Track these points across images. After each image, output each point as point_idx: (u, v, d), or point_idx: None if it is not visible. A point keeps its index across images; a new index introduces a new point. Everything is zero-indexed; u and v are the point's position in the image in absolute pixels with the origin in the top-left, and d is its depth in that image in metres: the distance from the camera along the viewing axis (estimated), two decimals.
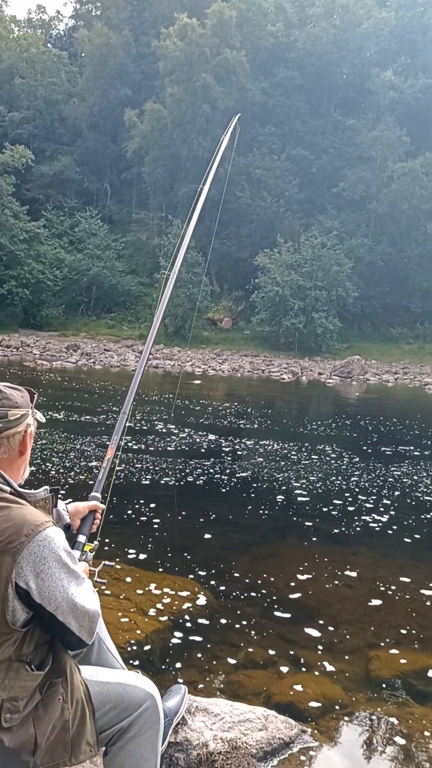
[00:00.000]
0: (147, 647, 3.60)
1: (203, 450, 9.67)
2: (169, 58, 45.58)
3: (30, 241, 42.98)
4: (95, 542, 2.30)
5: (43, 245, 43.94)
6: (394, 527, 6.36)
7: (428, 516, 6.93)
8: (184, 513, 6.47)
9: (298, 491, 7.50)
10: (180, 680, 3.21)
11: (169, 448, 9.56)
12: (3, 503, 1.65)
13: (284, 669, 3.51)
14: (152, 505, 6.49)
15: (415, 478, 8.64)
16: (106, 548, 5.04)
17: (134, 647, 3.55)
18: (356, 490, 7.70)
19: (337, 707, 3.18)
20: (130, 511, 6.20)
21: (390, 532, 6.24)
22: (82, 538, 2.25)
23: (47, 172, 48.74)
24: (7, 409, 1.74)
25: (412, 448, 11.05)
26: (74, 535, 2.24)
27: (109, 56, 52.30)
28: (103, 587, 2.61)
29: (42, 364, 24.67)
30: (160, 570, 4.76)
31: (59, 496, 2.03)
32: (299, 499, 7.17)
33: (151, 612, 4.00)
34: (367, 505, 7.02)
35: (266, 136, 47.10)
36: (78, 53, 57.28)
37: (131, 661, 3.36)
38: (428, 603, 4.56)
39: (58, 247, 45.16)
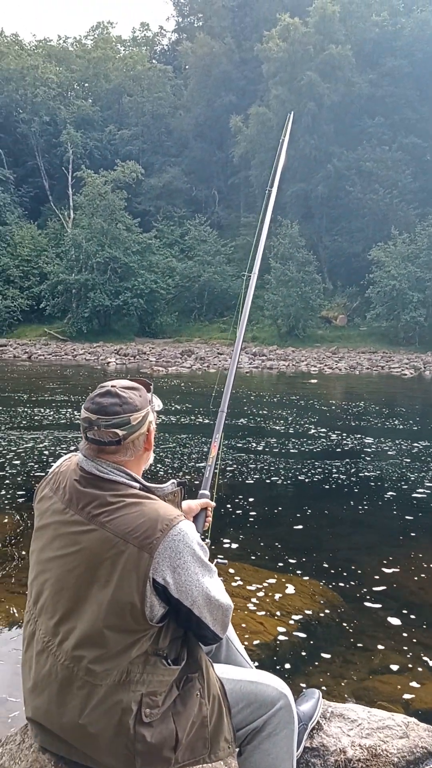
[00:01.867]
0: (276, 649, 3.54)
1: (322, 449, 9.47)
2: (273, 60, 45.58)
3: (142, 252, 44.61)
4: (207, 540, 2.27)
5: (155, 255, 45.42)
6: None
7: None
8: (303, 512, 6.35)
9: (427, 491, 7.13)
10: (312, 685, 3.12)
11: (288, 448, 9.45)
12: (135, 499, 1.65)
13: (421, 675, 3.33)
14: (268, 505, 6.43)
15: None
16: (228, 546, 5.02)
17: (263, 649, 3.49)
18: None
19: None
20: (244, 510, 6.16)
21: None
22: None
23: (156, 184, 50.37)
24: (129, 415, 1.71)
25: None
26: None
27: (213, 65, 53.22)
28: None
29: (158, 370, 25.42)
30: (284, 571, 4.67)
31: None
32: (427, 499, 6.81)
33: (278, 613, 3.93)
34: None
35: (375, 128, 45.82)
36: (182, 66, 58.79)
37: (260, 664, 3.31)
38: None
39: (170, 256, 46.51)
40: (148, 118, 53.68)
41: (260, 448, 9.43)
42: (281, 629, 3.73)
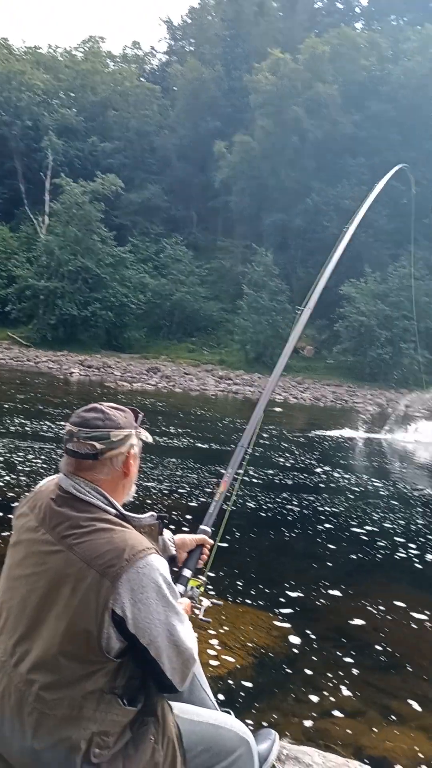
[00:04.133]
0: (232, 685, 3.47)
1: (281, 480, 9.41)
2: (261, 91, 46.46)
3: (116, 266, 44.41)
4: (203, 578, 2.21)
5: (129, 269, 45.28)
6: None
7: None
8: (260, 544, 6.29)
9: (387, 529, 7.17)
10: (264, 723, 3.06)
11: (249, 477, 9.35)
12: (107, 525, 1.61)
13: (375, 719, 3.29)
14: (229, 536, 6.28)
15: None
16: None
17: (217, 683, 3.41)
18: None
19: None
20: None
21: None
22: (187, 573, 2.16)
23: (135, 199, 50.45)
24: (109, 430, 1.71)
25: None
26: (179, 568, 2.17)
27: (201, 90, 53.95)
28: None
29: (123, 385, 25.15)
30: (240, 603, 4.60)
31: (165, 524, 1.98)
32: (390, 538, 6.85)
33: (235, 648, 3.85)
34: None
35: (356, 167, 46.95)
36: (170, 87, 59.37)
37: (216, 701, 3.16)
38: None
39: (143, 271, 46.44)
40: (132, 134, 53.91)
41: (218, 472, 9.28)
42: (236, 664, 3.65)
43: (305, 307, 3.32)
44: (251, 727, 2.53)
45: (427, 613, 4.78)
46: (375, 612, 4.72)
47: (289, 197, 45.64)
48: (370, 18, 64.15)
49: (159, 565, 1.58)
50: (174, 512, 6.71)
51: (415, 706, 3.45)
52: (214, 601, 2.29)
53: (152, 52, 71.89)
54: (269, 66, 46.63)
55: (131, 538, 1.59)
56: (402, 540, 6.75)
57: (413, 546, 6.54)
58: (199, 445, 12.06)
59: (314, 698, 3.42)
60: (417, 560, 6.12)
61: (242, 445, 2.74)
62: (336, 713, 3.30)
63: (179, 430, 13.47)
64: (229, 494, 2.56)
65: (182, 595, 2.08)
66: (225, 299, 47.00)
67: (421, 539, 6.84)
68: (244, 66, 53.05)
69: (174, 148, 54.29)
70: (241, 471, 2.71)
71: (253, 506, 7.64)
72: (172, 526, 5.91)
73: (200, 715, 1.82)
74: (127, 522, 1.67)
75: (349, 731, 3.15)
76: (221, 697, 3.27)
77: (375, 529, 7.15)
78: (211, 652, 3.72)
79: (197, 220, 53.98)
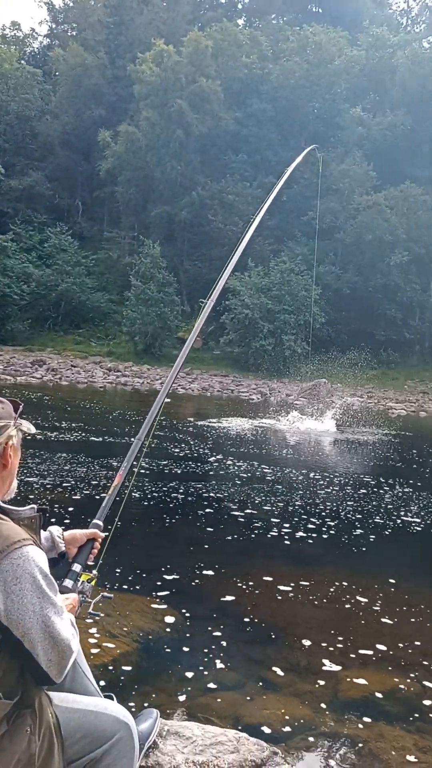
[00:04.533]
0: (114, 671, 3.54)
1: (170, 471, 9.63)
2: (145, 82, 46.17)
3: None
4: (94, 572, 2.23)
5: (11, 259, 43.58)
6: (361, 546, 6.42)
7: (393, 534, 7.02)
8: (151, 535, 6.41)
9: (266, 511, 7.50)
10: (150, 705, 3.16)
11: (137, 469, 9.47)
12: None
13: (254, 690, 3.50)
14: (117, 527, 6.41)
15: (376, 495, 8.73)
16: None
17: (101, 671, 3.48)
18: (322, 509, 7.76)
19: (306, 728, 3.18)
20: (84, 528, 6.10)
21: (356, 550, 6.29)
22: (77, 567, 2.17)
23: (17, 186, 48.57)
24: None
25: (377, 464, 11.20)
26: (69, 563, 2.18)
27: (84, 77, 52.73)
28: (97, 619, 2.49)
29: (5, 378, 24.33)
30: (127, 591, 4.69)
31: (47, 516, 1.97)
32: (267, 519, 7.17)
33: (119, 635, 3.93)
34: (332, 524, 7.08)
35: (239, 164, 47.91)
36: (52, 71, 57.55)
37: (99, 687, 3.30)
38: (396, 621, 4.61)
39: (26, 261, 44.86)
40: (12, 117, 51.75)
41: (110, 465, 9.38)
42: (121, 651, 3.73)
43: (209, 299, 3.37)
44: (134, 710, 2.66)
45: (300, 585, 5.09)
46: (252, 589, 4.96)
47: (175, 190, 45.85)
48: (252, 15, 65.56)
49: (35, 556, 1.57)
50: (62, 507, 6.72)
51: (290, 674, 3.69)
52: (105, 594, 2.31)
53: (33, 35, 69.31)
54: (153, 57, 46.41)
55: (7, 529, 1.57)
56: (277, 520, 7.09)
57: (287, 525, 6.90)
58: (89, 438, 12.02)
59: (196, 676, 3.57)
60: (290, 538, 6.47)
61: (139, 438, 2.74)
62: (216, 688, 3.46)
63: (68, 424, 13.33)
64: (124, 487, 2.55)
65: (71, 590, 2.09)
66: (113, 290, 46.49)
67: (295, 519, 7.24)
68: (128, 55, 52.43)
69: (57, 135, 52.73)
70: (136, 463, 2.71)
71: (141, 496, 7.75)
72: (67, 521, 5.98)
73: (80, 702, 1.83)
74: (5, 514, 1.64)
75: (229, 703, 3.32)
76: (105, 683, 3.32)
77: (254, 511, 7.45)
78: (95, 641, 3.77)
79: (83, 210, 52.88)
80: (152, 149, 45.74)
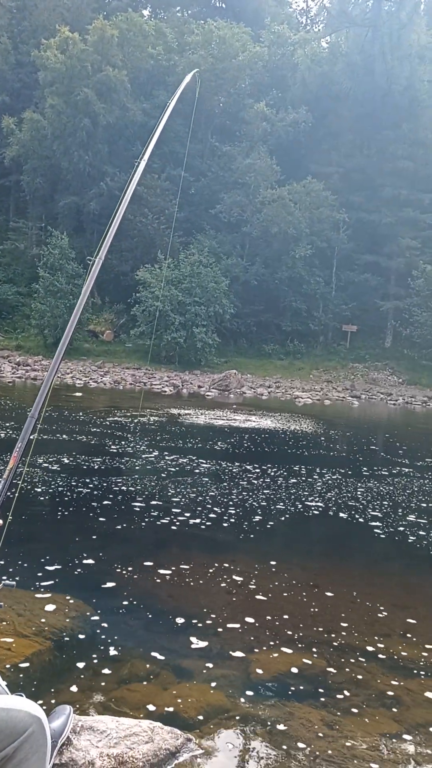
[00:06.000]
0: (26, 671, 3.50)
1: (82, 465, 9.54)
2: (50, 69, 44.84)
3: None
4: None
5: None
6: (269, 532, 6.63)
7: (297, 516, 7.32)
8: (61, 530, 6.34)
9: (177, 502, 7.56)
10: (63, 702, 3.12)
11: (43, 462, 9.35)
12: None
13: (168, 680, 3.55)
14: (26, 523, 6.34)
15: (282, 480, 9.05)
16: None
17: (12, 671, 3.44)
18: (232, 497, 7.95)
19: (220, 713, 3.26)
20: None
21: (263, 536, 6.48)
22: None
23: None
24: None
25: (287, 449, 11.56)
26: None
27: None
28: None
29: None
30: (38, 588, 4.64)
31: None
32: (178, 509, 7.24)
33: (29, 634, 3.88)
34: (241, 511, 7.25)
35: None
36: None
37: (10, 687, 3.29)
38: (301, 602, 4.83)
39: None
40: None
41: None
42: (32, 649, 3.69)
43: (97, 257, 3.35)
44: (46, 708, 2.61)
45: (210, 573, 5.22)
46: (164, 580, 5.02)
47: (83, 180, 44.91)
48: (157, 7, 64.97)
49: None
50: None
51: (203, 661, 3.77)
52: (7, 582, 2.26)
53: None
54: (58, 44, 45.11)
55: None
56: (188, 511, 7.18)
57: (198, 515, 7.01)
58: None
59: (110, 670, 3.58)
60: (204, 527, 6.60)
61: (32, 416, 2.71)
62: (130, 680, 3.49)
63: None
64: (20, 468, 2.49)
65: None
66: (20, 282, 45.03)
67: (206, 508, 7.36)
68: (32, 41, 50.62)
69: None
70: (32, 437, 2.66)
71: (51, 491, 7.64)
72: None
73: None
74: None
75: (144, 694, 3.36)
76: (15, 683, 3.29)
77: (163, 503, 7.51)
78: (5, 642, 3.72)
79: None
80: (59, 138, 44.56)
